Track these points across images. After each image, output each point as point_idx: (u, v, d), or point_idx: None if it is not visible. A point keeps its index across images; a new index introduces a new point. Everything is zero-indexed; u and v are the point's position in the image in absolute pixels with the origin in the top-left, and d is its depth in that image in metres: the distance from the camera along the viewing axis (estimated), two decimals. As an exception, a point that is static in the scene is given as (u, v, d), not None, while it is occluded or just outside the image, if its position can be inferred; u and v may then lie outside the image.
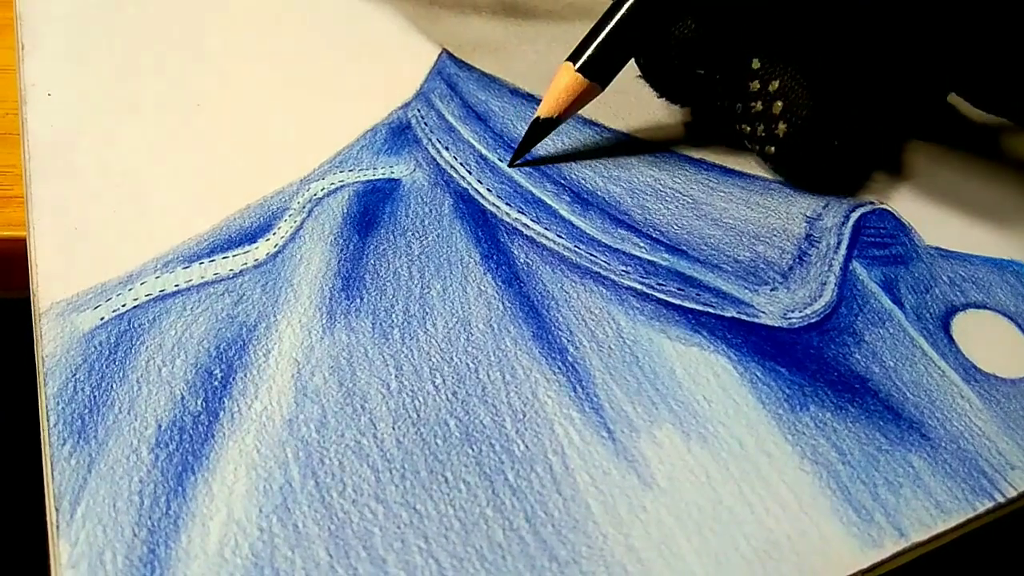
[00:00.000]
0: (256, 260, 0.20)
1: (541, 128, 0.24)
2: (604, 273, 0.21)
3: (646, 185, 0.24)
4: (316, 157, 0.23)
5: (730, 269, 0.22)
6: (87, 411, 0.17)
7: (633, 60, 0.24)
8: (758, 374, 0.19)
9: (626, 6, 0.23)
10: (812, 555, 0.16)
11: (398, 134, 0.24)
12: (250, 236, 0.21)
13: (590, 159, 0.24)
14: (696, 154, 0.25)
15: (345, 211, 0.22)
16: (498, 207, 0.23)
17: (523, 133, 0.24)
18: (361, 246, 0.21)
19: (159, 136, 0.23)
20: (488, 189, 0.23)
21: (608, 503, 0.17)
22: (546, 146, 0.24)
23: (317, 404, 0.18)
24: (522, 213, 0.22)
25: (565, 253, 0.22)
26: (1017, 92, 0.25)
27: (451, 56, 0.28)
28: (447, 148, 0.24)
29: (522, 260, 0.21)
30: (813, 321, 0.21)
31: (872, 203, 0.24)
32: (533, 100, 0.26)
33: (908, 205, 0.24)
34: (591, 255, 0.22)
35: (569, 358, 0.19)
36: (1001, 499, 0.18)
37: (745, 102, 0.24)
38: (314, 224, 0.21)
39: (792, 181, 0.24)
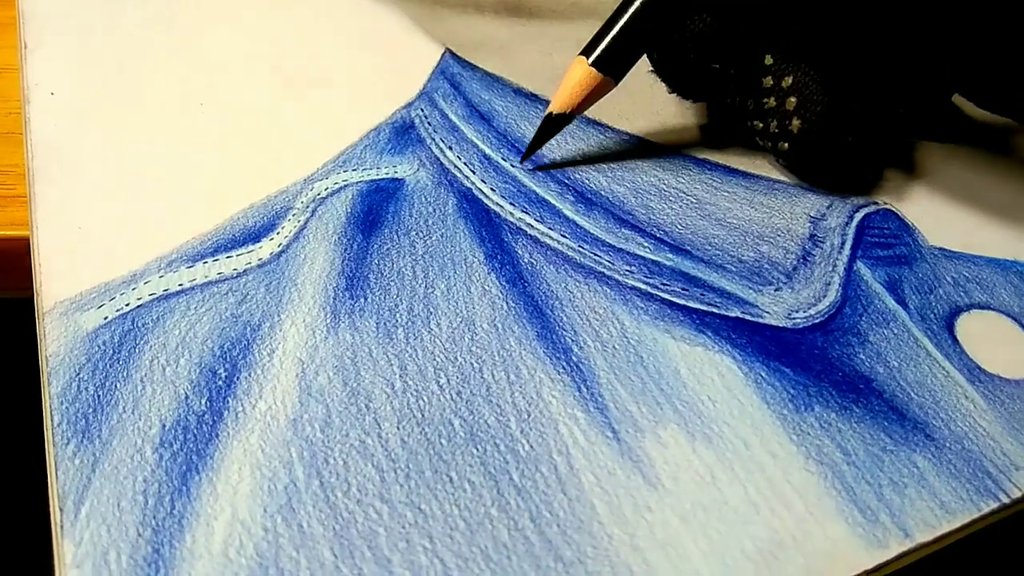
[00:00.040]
0: (260, 259, 0.20)
1: (554, 123, 0.23)
2: (608, 273, 0.21)
3: (650, 185, 0.24)
4: (320, 156, 0.23)
5: (734, 269, 0.22)
6: (91, 411, 0.17)
7: (645, 55, 0.24)
8: (763, 374, 0.19)
9: (640, 0, 0.23)
10: (817, 555, 0.16)
11: (402, 134, 0.24)
12: (254, 235, 0.21)
13: (594, 159, 0.24)
14: (700, 154, 0.25)
15: (349, 210, 0.22)
16: (502, 206, 0.23)
17: (529, 134, 0.24)
18: (365, 246, 0.21)
19: (162, 135, 0.23)
20: (492, 189, 0.23)
21: (613, 503, 0.17)
22: (550, 146, 0.24)
23: (321, 404, 0.18)
24: (526, 212, 0.22)
25: (569, 253, 0.21)
26: (1020, 91, 0.25)
27: (454, 55, 0.28)
28: (451, 148, 0.24)
29: (526, 260, 0.21)
30: (817, 321, 0.21)
31: (876, 203, 0.24)
32: (537, 99, 0.26)
33: (912, 205, 0.24)
34: (595, 255, 0.22)
35: (573, 358, 0.19)
36: (1006, 500, 0.18)
37: (758, 98, 0.24)
38: (318, 223, 0.21)
39: (804, 178, 0.24)
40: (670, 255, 0.22)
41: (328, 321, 0.19)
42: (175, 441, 0.17)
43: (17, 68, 0.25)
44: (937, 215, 0.24)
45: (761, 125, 0.24)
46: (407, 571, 0.15)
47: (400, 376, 0.18)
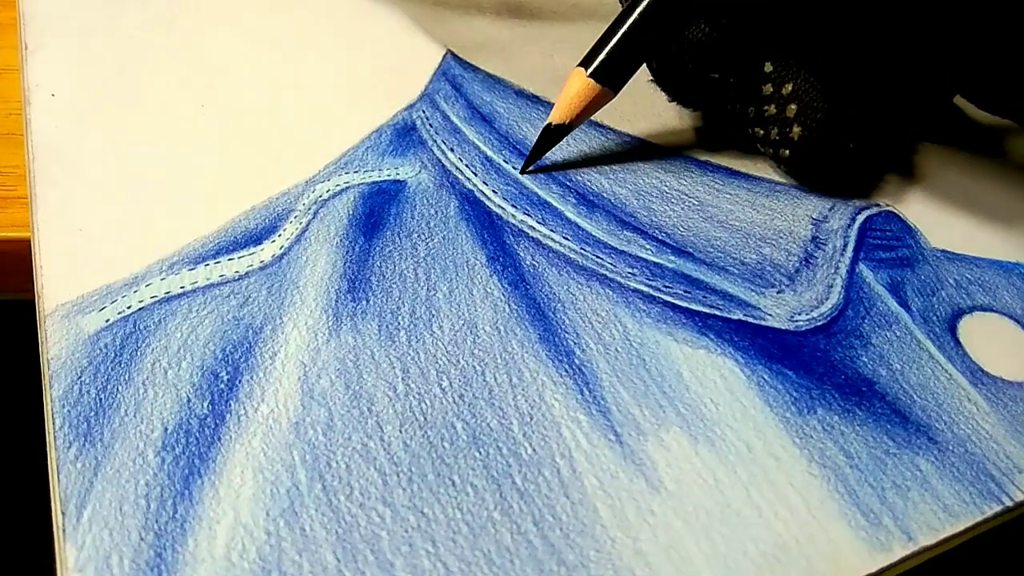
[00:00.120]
0: (262, 262, 0.20)
1: (553, 134, 0.23)
2: (610, 275, 0.21)
3: (652, 187, 0.24)
4: (321, 158, 0.23)
5: (736, 271, 0.22)
6: (93, 414, 0.17)
7: (644, 65, 0.24)
8: (765, 377, 0.19)
9: (638, 10, 0.23)
10: (821, 559, 0.16)
11: (403, 135, 0.24)
12: (255, 238, 0.21)
13: (596, 161, 0.24)
14: (702, 156, 0.25)
15: (351, 213, 0.22)
16: (504, 209, 0.22)
17: (530, 136, 0.24)
18: (367, 248, 0.21)
19: (163, 137, 0.23)
20: (494, 191, 0.23)
21: (616, 507, 0.16)
22: (551, 148, 0.24)
23: (324, 407, 0.17)
24: (528, 215, 0.22)
25: (571, 255, 0.21)
26: (1021, 93, 0.25)
27: (456, 57, 0.28)
28: (452, 149, 0.24)
29: (528, 262, 0.21)
30: (820, 324, 0.21)
31: (878, 205, 0.24)
32: (538, 101, 0.26)
33: (914, 207, 0.24)
34: (597, 257, 0.21)
35: (576, 361, 0.19)
36: (1009, 503, 0.18)
37: (758, 105, 0.24)
38: (320, 226, 0.21)
39: (805, 184, 0.24)
40: (672, 257, 0.22)
41: (330, 324, 0.19)
42: (177, 444, 0.17)
43: (18, 69, 0.25)
44: (939, 217, 0.24)
45: (762, 132, 0.24)
46: (410, 575, 0.15)
47: (402, 379, 0.18)
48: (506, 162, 0.24)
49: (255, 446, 0.17)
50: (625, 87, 0.24)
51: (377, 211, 0.22)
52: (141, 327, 0.19)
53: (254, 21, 0.28)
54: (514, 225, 0.22)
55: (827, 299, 0.21)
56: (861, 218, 0.24)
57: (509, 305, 0.20)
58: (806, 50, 0.23)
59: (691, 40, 0.23)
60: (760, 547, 0.16)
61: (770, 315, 0.21)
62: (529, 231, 0.22)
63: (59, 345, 0.18)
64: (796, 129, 0.23)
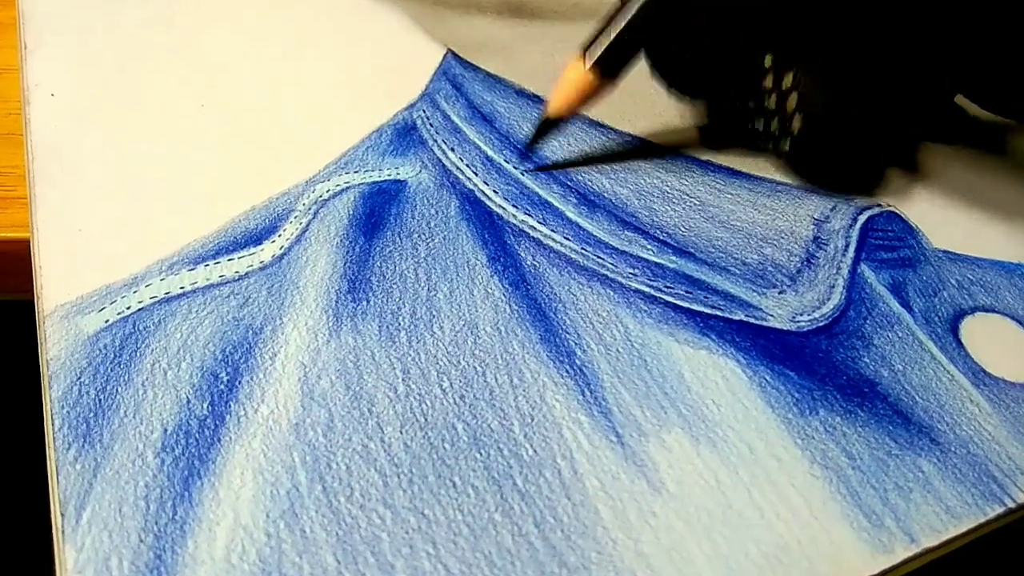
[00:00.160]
0: (262, 262, 0.20)
1: (551, 124, 0.23)
2: (611, 276, 0.21)
3: (653, 187, 0.24)
4: (321, 158, 0.23)
5: (738, 272, 0.22)
6: (92, 415, 0.17)
7: (644, 57, 0.24)
8: (767, 378, 0.19)
9: (638, 3, 0.22)
10: (823, 560, 0.16)
11: (403, 135, 0.24)
12: (255, 238, 0.21)
13: (597, 161, 0.24)
14: (703, 155, 0.25)
15: (351, 213, 0.22)
16: (505, 209, 0.22)
17: (530, 134, 0.24)
18: (367, 248, 0.21)
19: (163, 137, 0.23)
20: (495, 191, 0.23)
21: (617, 508, 0.16)
22: (553, 147, 0.24)
23: (324, 408, 0.17)
24: (529, 215, 0.22)
25: (572, 255, 0.21)
26: (1022, 92, 0.25)
27: (456, 57, 0.27)
28: (453, 149, 0.24)
29: (529, 262, 0.21)
30: (822, 324, 0.21)
31: (880, 205, 0.24)
32: (539, 101, 0.26)
33: (916, 207, 0.24)
34: (598, 257, 0.21)
35: (577, 361, 0.19)
36: (1011, 504, 0.17)
37: (758, 99, 0.24)
38: (320, 226, 0.21)
39: (806, 178, 0.24)
40: (673, 257, 0.22)
41: (330, 324, 0.19)
42: (177, 446, 0.16)
43: (17, 69, 0.25)
44: (941, 217, 0.24)
45: (762, 125, 0.24)
46: (411, 577, 0.15)
47: (403, 380, 0.18)
48: (507, 162, 0.24)
49: (255, 447, 0.17)
50: (626, 86, 0.24)
51: (377, 211, 0.22)
52: (141, 328, 0.18)
53: (254, 20, 0.28)
54: (515, 225, 0.22)
55: (829, 300, 0.21)
56: (863, 218, 0.24)
57: (510, 305, 0.20)
58: (806, 43, 0.23)
59: (689, 28, 0.23)
60: (762, 548, 0.16)
61: (772, 316, 0.21)
62: (530, 231, 0.22)
63: (58, 346, 0.18)
64: (796, 121, 0.23)
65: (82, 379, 0.17)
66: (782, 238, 0.23)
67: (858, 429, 0.18)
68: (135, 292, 0.19)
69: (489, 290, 0.20)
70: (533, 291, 0.20)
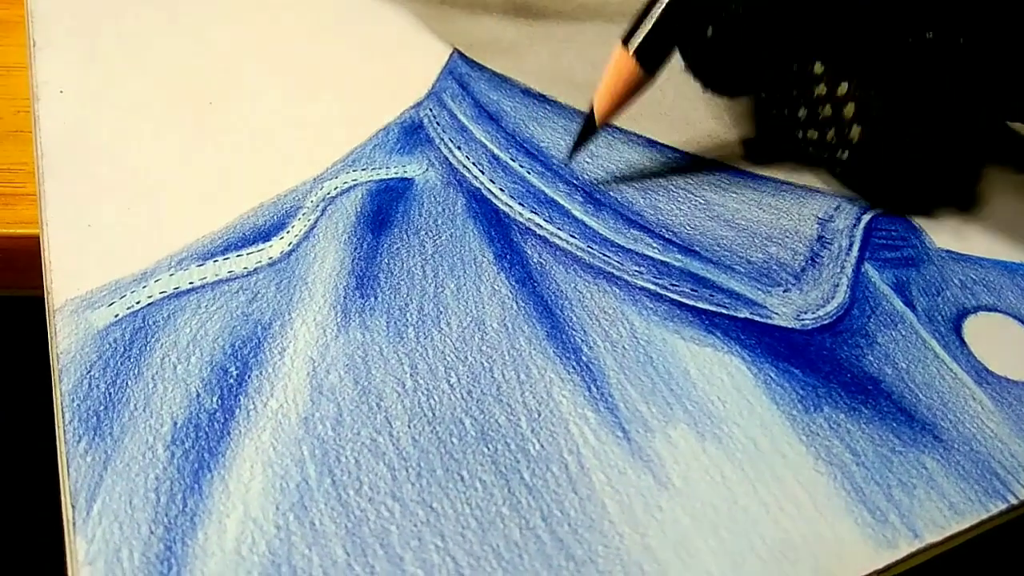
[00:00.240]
0: (270, 258, 0.20)
1: (594, 129, 0.23)
2: (617, 273, 0.21)
3: (658, 185, 0.24)
4: (329, 156, 0.23)
5: (743, 270, 0.22)
6: (102, 408, 0.17)
7: (678, 53, 0.24)
8: (772, 375, 0.19)
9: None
10: (827, 555, 0.16)
11: (410, 133, 0.24)
12: (264, 234, 0.21)
13: (602, 160, 0.24)
14: (708, 154, 0.25)
15: (358, 210, 0.22)
16: (511, 207, 0.23)
17: (537, 134, 0.24)
18: (375, 245, 0.21)
19: (172, 133, 0.23)
20: (501, 188, 0.23)
21: (624, 502, 0.17)
22: (559, 147, 0.24)
23: (333, 402, 0.18)
24: (535, 213, 0.22)
25: (578, 253, 0.22)
26: None
27: (462, 56, 0.28)
28: (459, 147, 0.24)
29: (535, 260, 0.21)
30: (826, 323, 0.21)
31: (883, 205, 0.24)
32: (545, 100, 0.26)
33: (919, 207, 0.24)
34: (604, 255, 0.22)
35: (583, 358, 0.19)
36: (1014, 500, 0.18)
37: (811, 107, 0.23)
38: (328, 223, 0.21)
39: (863, 189, 0.23)
40: (679, 256, 0.22)
41: (339, 320, 0.19)
42: (187, 439, 0.17)
43: (26, 66, 0.25)
44: (944, 217, 0.24)
45: (816, 135, 0.23)
46: (419, 569, 0.15)
47: (411, 375, 0.18)
48: (513, 160, 0.24)
49: (264, 441, 0.17)
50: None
51: (385, 208, 0.22)
52: (150, 322, 0.19)
53: (262, 18, 0.28)
54: (521, 223, 0.22)
55: (833, 298, 0.21)
56: (867, 218, 0.24)
57: (517, 302, 0.20)
58: (855, 52, 0.22)
59: (726, 21, 0.22)
60: (767, 543, 0.16)
61: (776, 314, 0.21)
62: (536, 229, 0.22)
63: (68, 340, 0.18)
64: (855, 129, 0.22)
65: (92, 373, 0.18)
66: (787, 237, 0.23)
67: (862, 426, 0.18)
68: (144, 287, 0.19)
69: (496, 287, 0.20)
70: (539, 288, 0.20)
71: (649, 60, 0.22)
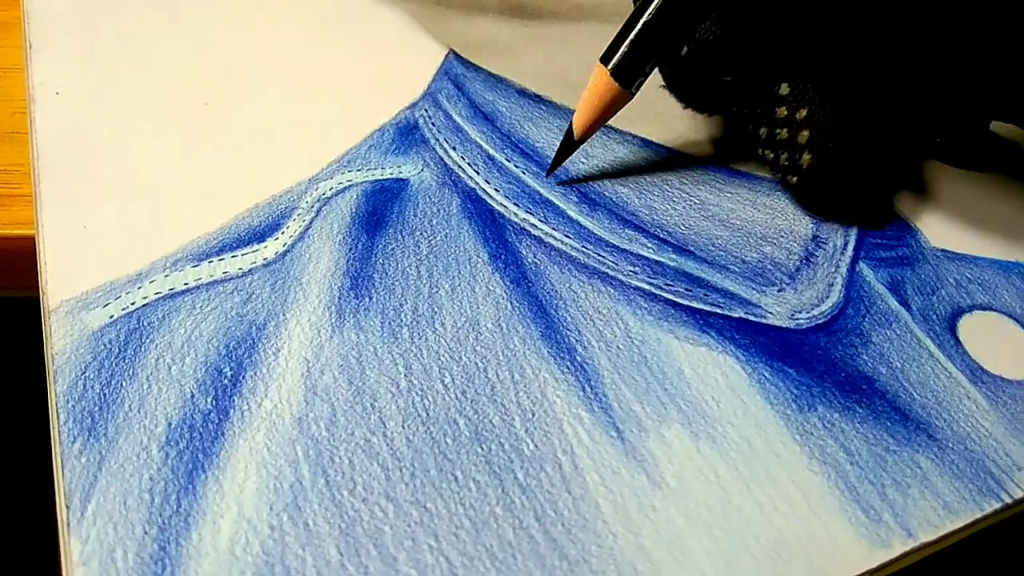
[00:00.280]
0: (265, 259, 0.20)
1: (575, 146, 0.23)
2: (612, 273, 0.21)
3: (653, 185, 0.24)
4: (324, 156, 0.23)
5: (737, 270, 0.22)
6: (97, 409, 0.17)
7: (657, 71, 0.24)
8: (766, 374, 0.19)
9: (652, 7, 0.22)
10: (821, 555, 0.16)
11: (406, 134, 0.24)
12: (259, 235, 0.21)
13: (598, 160, 0.25)
14: (703, 155, 0.25)
15: (353, 210, 0.22)
16: (506, 207, 0.23)
17: (532, 135, 0.24)
18: (370, 245, 0.21)
19: (167, 134, 0.23)
20: (496, 189, 0.23)
21: (618, 502, 0.17)
22: (554, 146, 0.24)
23: (327, 402, 0.18)
24: (530, 213, 0.23)
25: (573, 253, 0.22)
26: None
27: (458, 56, 0.28)
28: (454, 148, 0.24)
29: (530, 260, 0.21)
30: (820, 322, 0.21)
31: (878, 205, 0.24)
32: (540, 100, 0.26)
33: (914, 207, 0.24)
34: (599, 255, 0.22)
35: (578, 358, 0.19)
36: (1008, 500, 0.18)
37: (770, 128, 0.23)
38: (323, 223, 0.21)
39: (808, 210, 0.24)
40: (673, 256, 0.22)
41: (333, 320, 0.19)
42: (181, 439, 0.17)
43: (22, 67, 0.25)
44: (939, 216, 0.24)
45: (772, 155, 0.24)
46: (413, 569, 0.15)
47: (405, 375, 0.18)
48: (508, 161, 0.24)
49: (258, 441, 0.17)
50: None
51: (380, 209, 0.22)
52: (145, 323, 0.19)
53: (258, 19, 0.28)
54: (516, 223, 0.22)
55: (828, 297, 0.21)
56: (861, 217, 0.24)
57: (511, 302, 0.20)
58: (822, 72, 0.22)
59: (701, 43, 0.23)
60: (761, 543, 0.16)
61: (771, 313, 0.21)
62: (531, 229, 0.22)
63: (63, 341, 0.18)
64: (806, 157, 0.22)
65: (87, 374, 0.18)
66: (781, 236, 0.23)
67: (856, 425, 0.19)
68: (139, 288, 0.19)
69: (490, 287, 0.20)
70: (534, 288, 0.21)
71: (626, 78, 0.23)
